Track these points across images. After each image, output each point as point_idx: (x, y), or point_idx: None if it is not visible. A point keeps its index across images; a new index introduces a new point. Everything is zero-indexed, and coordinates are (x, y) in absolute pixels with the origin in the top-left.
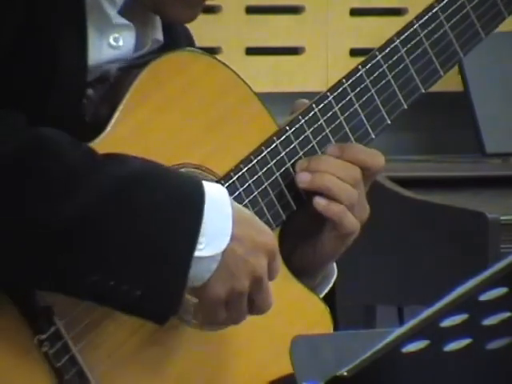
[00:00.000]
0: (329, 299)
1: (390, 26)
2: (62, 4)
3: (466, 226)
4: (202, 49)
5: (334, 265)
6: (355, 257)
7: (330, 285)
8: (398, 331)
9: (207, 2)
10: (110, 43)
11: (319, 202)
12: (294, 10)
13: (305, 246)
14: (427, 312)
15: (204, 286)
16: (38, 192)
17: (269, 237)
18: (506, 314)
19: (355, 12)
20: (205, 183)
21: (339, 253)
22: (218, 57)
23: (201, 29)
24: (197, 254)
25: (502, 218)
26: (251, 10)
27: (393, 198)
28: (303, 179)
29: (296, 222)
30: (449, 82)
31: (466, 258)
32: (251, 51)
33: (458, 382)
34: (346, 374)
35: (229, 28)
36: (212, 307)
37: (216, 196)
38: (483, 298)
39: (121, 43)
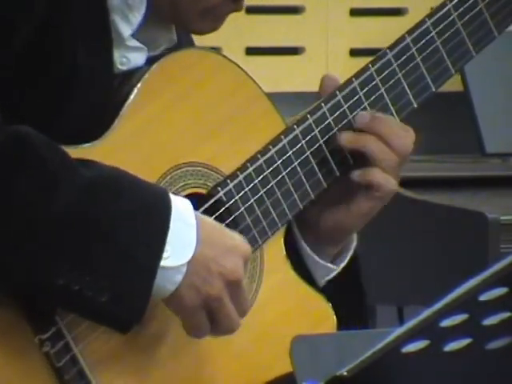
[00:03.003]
0: (354, 275)
1: (390, 26)
2: (85, 6)
3: (466, 226)
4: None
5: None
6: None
7: (351, 251)
8: (398, 331)
9: None
10: (121, 61)
11: (357, 175)
12: (294, 10)
13: (336, 209)
14: (427, 312)
15: (173, 298)
16: (14, 191)
17: (241, 241)
18: (506, 314)
19: (355, 12)
20: (170, 194)
21: (376, 211)
22: None
23: None
24: (162, 263)
25: (501, 217)
26: (251, 10)
27: (393, 198)
28: (344, 137)
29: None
30: (449, 82)
31: (466, 258)
32: (251, 51)
33: (458, 382)
34: (345, 373)
35: (229, 28)
36: (191, 317)
37: (181, 207)
38: (483, 297)
39: (131, 64)
